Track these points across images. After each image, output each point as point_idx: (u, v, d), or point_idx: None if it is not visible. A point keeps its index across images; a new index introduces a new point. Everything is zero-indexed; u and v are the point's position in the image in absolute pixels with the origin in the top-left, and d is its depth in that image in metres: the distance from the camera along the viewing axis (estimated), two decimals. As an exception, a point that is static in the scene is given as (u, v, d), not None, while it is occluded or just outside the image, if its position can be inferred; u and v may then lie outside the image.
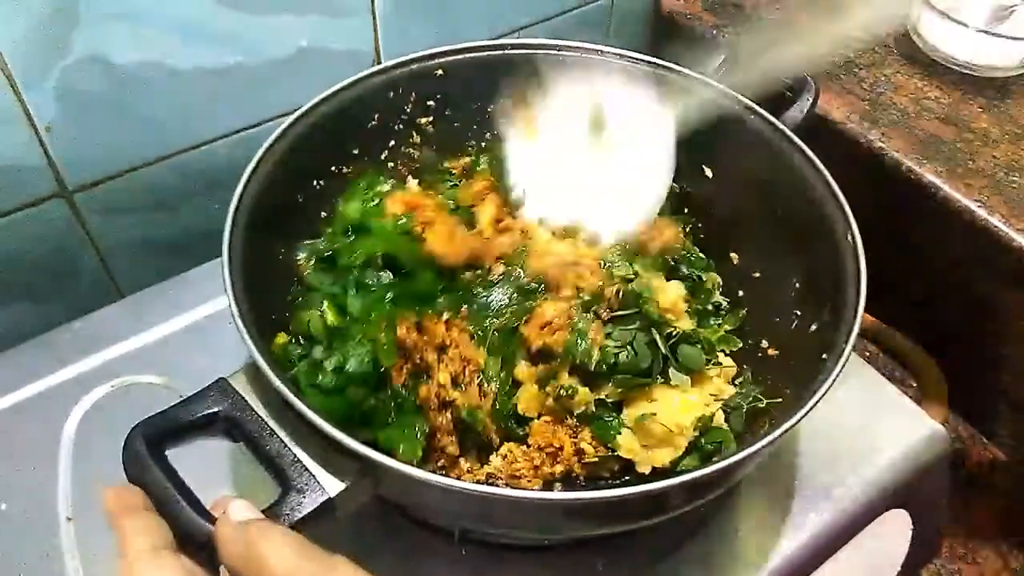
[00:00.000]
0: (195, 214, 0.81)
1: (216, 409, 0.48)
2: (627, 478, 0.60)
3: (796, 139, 0.63)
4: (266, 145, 0.60)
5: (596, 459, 0.59)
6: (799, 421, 0.48)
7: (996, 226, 0.77)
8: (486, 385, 0.59)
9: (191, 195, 0.79)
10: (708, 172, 0.70)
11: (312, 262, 0.63)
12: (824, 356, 0.52)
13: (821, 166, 0.61)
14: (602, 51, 0.69)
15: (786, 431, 0.47)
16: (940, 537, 0.76)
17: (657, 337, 0.59)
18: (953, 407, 0.74)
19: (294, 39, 0.76)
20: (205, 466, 0.49)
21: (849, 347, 0.51)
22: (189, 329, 0.71)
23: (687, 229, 0.70)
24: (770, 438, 0.47)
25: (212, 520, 0.42)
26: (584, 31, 0.98)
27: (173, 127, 0.75)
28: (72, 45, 0.66)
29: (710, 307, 0.67)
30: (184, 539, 0.42)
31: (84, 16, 0.65)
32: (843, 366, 0.50)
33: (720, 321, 0.67)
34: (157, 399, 0.56)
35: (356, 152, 0.68)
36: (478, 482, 0.57)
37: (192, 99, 0.74)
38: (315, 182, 0.66)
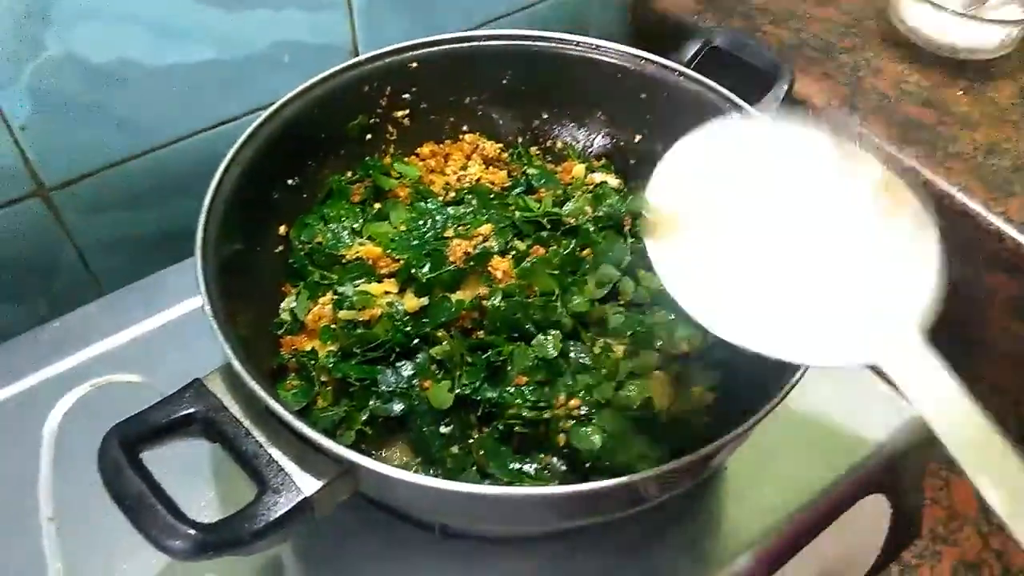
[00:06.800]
0: (173, 211, 0.80)
1: (192, 410, 0.48)
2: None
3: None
4: (240, 142, 0.59)
5: None
6: (774, 408, 0.48)
7: (976, 210, 0.77)
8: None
9: (169, 192, 0.79)
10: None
11: None
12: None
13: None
14: (578, 42, 0.69)
15: (760, 418, 0.47)
16: (920, 519, 0.77)
17: None
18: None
19: (270, 34, 0.76)
20: (185, 465, 0.49)
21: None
22: (169, 327, 0.71)
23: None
24: (745, 426, 0.47)
25: (188, 523, 0.42)
26: (563, 19, 0.97)
27: (149, 124, 0.74)
28: (45, 45, 0.65)
29: None
30: (160, 544, 0.42)
31: (56, 16, 0.64)
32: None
33: None
34: (137, 398, 0.56)
35: (332, 148, 0.68)
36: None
37: (167, 96, 0.74)
38: (290, 178, 0.66)
